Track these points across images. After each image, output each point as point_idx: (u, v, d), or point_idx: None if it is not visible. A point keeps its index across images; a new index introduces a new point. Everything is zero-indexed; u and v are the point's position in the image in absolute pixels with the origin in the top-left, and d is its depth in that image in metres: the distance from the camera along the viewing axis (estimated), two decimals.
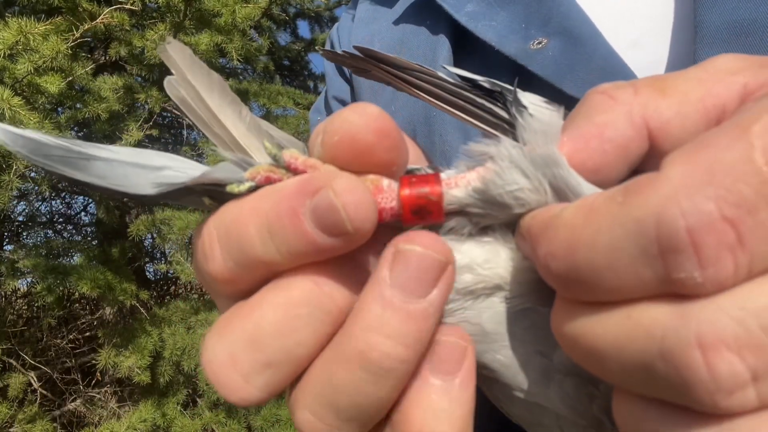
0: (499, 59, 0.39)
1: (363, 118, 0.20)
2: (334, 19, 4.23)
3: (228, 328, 0.20)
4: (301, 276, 0.20)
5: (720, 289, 0.14)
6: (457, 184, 0.21)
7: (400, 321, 0.18)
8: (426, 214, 0.21)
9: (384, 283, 0.19)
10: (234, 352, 0.20)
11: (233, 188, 0.21)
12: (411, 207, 0.20)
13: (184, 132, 2.97)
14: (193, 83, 0.24)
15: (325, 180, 0.19)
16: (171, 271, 3.14)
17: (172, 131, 3.32)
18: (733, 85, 0.18)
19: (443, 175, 0.21)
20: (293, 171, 0.21)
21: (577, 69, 0.35)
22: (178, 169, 0.23)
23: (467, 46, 0.44)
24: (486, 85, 0.26)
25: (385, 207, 0.20)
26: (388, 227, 0.21)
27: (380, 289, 0.19)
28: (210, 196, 0.23)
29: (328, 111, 0.59)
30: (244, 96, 2.96)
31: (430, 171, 0.23)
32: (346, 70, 0.58)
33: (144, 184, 0.22)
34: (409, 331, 0.19)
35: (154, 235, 2.88)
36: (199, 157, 2.87)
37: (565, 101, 0.25)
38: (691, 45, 0.32)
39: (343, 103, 0.57)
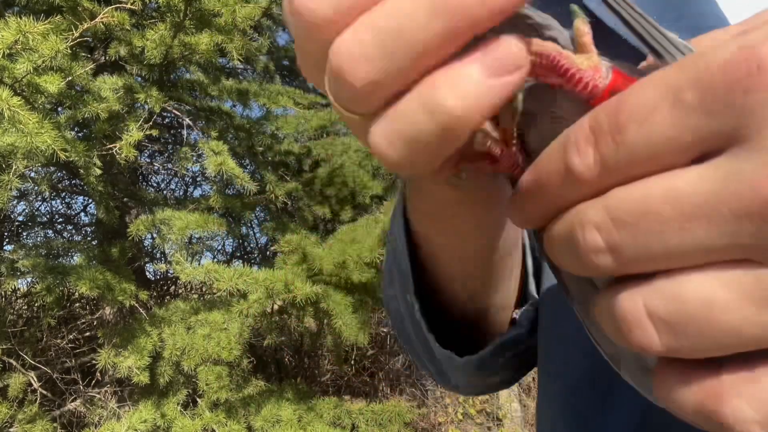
0: None
1: None
2: None
3: None
4: None
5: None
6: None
7: None
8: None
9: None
10: None
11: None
12: (609, 92, 0.20)
13: (184, 132, 2.97)
14: None
15: None
16: (171, 271, 3.14)
17: (172, 131, 3.31)
18: None
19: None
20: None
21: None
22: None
23: None
24: None
25: (594, 84, 0.20)
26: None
27: None
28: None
29: None
30: (244, 96, 2.96)
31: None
32: None
33: None
34: None
35: (154, 235, 2.88)
36: (199, 157, 2.86)
37: None
38: None
39: None
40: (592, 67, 0.20)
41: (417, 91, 0.18)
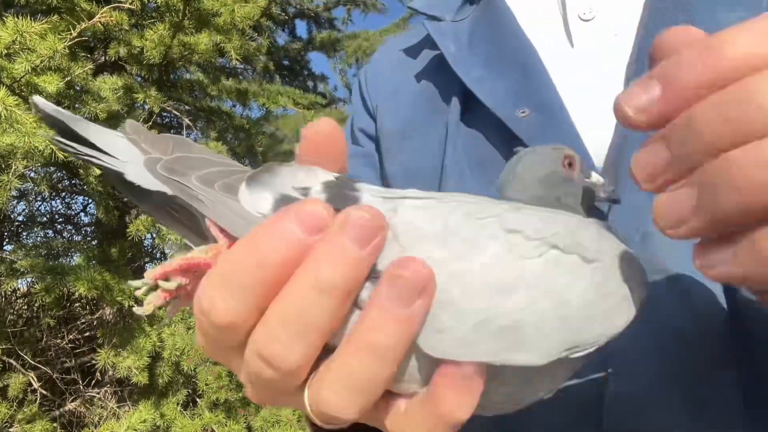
0: (494, 121, 0.49)
1: (326, 126, 0.30)
2: (331, 20, 4.23)
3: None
4: None
5: None
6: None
7: None
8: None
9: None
10: None
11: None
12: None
13: (184, 132, 2.97)
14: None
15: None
16: None
17: (171, 131, 3.32)
18: None
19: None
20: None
21: (546, 136, 0.45)
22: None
23: (471, 105, 0.52)
24: None
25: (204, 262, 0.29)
26: None
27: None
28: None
29: (353, 139, 0.66)
30: (243, 96, 2.96)
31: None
32: (369, 106, 0.65)
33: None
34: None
35: (154, 235, 2.88)
36: None
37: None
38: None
39: (369, 137, 0.65)
40: (209, 250, 0.29)
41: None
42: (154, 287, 0.28)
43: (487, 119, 0.50)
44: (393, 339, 0.25)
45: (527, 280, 0.26)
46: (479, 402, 0.26)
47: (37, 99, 0.30)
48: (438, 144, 0.53)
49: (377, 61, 0.69)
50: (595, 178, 0.35)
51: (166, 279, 0.28)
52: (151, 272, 0.28)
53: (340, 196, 0.28)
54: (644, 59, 0.43)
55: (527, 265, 0.26)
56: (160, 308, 0.28)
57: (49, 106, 0.29)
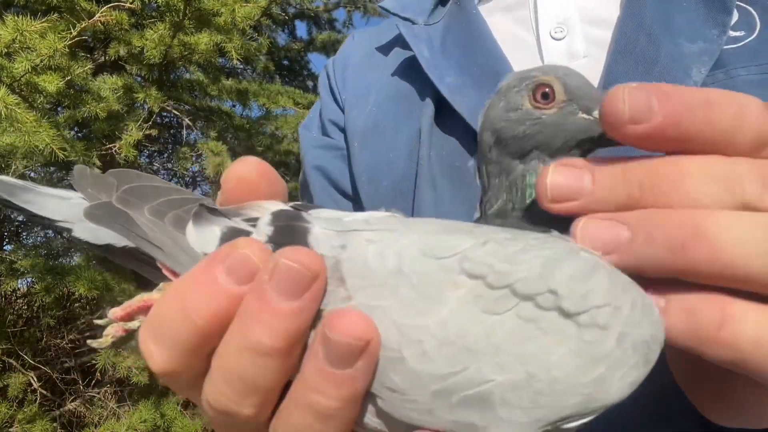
0: (468, 128, 0.48)
1: (248, 166, 0.29)
2: (331, 21, 4.23)
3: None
4: None
5: None
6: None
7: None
8: None
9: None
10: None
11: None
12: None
13: (183, 132, 2.97)
14: None
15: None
16: None
17: (171, 131, 3.32)
18: None
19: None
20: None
21: None
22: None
23: (445, 110, 0.52)
24: None
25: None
26: None
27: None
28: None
29: (324, 130, 0.65)
30: (243, 96, 2.96)
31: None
32: (338, 96, 0.65)
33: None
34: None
35: None
36: (198, 157, 2.86)
37: None
38: None
39: (338, 127, 0.63)
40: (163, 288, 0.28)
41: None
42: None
43: (461, 127, 0.50)
44: (335, 401, 0.22)
45: (493, 343, 0.21)
46: None
47: None
48: (407, 145, 0.54)
49: (347, 54, 0.68)
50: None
51: (131, 318, 0.28)
52: (114, 311, 0.28)
53: (287, 230, 0.26)
54: (612, 84, 0.42)
55: (494, 325, 0.22)
56: (116, 344, 0.29)
57: None
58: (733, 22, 0.45)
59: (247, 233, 0.26)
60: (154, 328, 0.25)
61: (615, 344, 0.21)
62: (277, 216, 0.27)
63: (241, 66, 3.47)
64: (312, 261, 0.23)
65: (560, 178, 0.24)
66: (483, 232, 0.24)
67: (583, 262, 0.22)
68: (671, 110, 0.22)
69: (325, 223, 0.26)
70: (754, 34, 0.45)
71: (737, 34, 0.45)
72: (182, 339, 0.24)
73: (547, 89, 0.26)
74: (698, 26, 0.46)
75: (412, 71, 0.56)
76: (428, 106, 0.53)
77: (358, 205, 0.58)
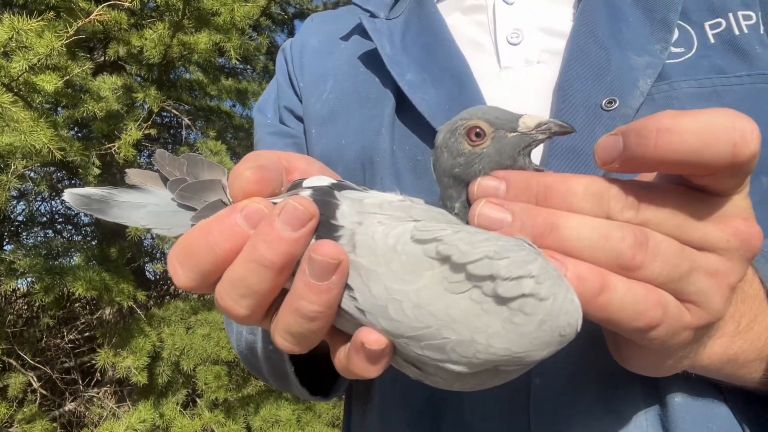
0: (429, 125, 0.51)
1: (244, 182, 0.34)
2: None
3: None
4: None
5: None
6: None
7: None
8: None
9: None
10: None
11: None
12: None
13: (183, 132, 2.97)
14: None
15: None
16: None
17: (171, 131, 3.31)
18: None
19: None
20: None
21: None
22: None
23: (406, 104, 0.54)
24: None
25: None
26: None
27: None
28: None
29: (280, 116, 0.67)
30: (243, 95, 2.96)
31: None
32: (296, 84, 0.66)
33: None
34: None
35: (154, 236, 2.88)
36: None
37: None
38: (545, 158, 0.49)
39: (294, 115, 0.66)
40: None
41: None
42: None
43: (422, 123, 0.52)
44: (316, 305, 0.31)
45: (450, 314, 0.29)
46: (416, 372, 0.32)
47: (68, 196, 0.36)
48: (366, 135, 0.55)
49: (305, 38, 0.69)
50: (524, 124, 0.33)
51: None
52: None
53: (322, 203, 0.33)
54: (566, 89, 0.49)
55: (452, 301, 0.29)
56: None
57: (78, 200, 0.35)
58: (674, 39, 0.50)
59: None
60: (182, 253, 0.33)
61: (536, 327, 0.29)
62: (317, 191, 0.34)
63: (241, 66, 3.46)
64: (310, 206, 0.31)
65: (485, 213, 0.32)
66: (460, 225, 0.32)
67: (526, 251, 0.29)
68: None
69: (350, 203, 0.33)
70: (692, 51, 0.50)
71: (678, 50, 0.50)
72: (203, 262, 0.32)
73: (477, 129, 0.33)
74: (643, 41, 0.50)
75: (372, 64, 0.58)
76: (389, 101, 0.56)
77: None
